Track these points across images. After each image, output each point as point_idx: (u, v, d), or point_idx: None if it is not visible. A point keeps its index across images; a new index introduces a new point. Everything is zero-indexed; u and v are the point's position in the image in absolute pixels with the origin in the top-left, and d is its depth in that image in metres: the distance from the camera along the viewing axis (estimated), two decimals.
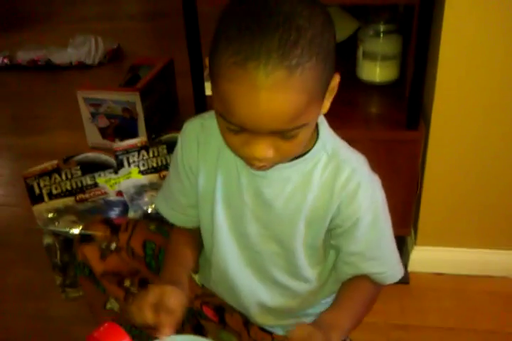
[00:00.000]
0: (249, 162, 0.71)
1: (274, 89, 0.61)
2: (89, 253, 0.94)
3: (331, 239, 0.84)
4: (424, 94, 1.22)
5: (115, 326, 0.76)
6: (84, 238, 0.95)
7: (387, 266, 0.85)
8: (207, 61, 0.70)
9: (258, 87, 0.61)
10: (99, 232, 0.95)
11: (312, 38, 0.62)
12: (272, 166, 0.73)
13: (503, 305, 1.33)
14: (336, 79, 0.70)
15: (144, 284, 0.94)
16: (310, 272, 0.86)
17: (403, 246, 1.42)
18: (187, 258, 0.89)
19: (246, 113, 0.63)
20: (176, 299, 0.76)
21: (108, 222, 0.97)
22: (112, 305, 0.95)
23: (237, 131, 0.67)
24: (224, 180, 0.82)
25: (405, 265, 1.43)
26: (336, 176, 0.78)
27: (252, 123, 0.64)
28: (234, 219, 0.84)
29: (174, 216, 0.92)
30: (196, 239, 0.92)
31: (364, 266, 0.83)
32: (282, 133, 0.66)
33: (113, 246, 0.94)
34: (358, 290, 0.85)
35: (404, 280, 1.40)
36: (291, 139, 0.67)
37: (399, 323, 1.29)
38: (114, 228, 0.96)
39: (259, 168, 0.72)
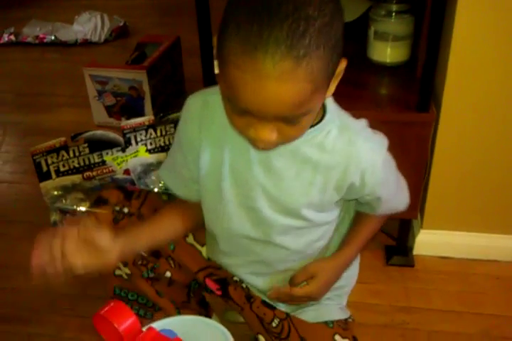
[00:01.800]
0: (253, 143, 0.73)
1: (280, 78, 0.62)
2: (102, 217, 0.94)
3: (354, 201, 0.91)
4: (436, 75, 1.21)
5: (121, 304, 0.77)
6: (97, 201, 0.95)
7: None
8: (215, 40, 0.69)
9: (264, 76, 0.62)
10: (113, 196, 0.95)
11: (321, 27, 0.62)
12: (274, 147, 0.74)
13: (508, 290, 1.33)
14: (343, 65, 0.71)
15: (154, 252, 0.95)
16: (318, 233, 0.89)
17: (409, 229, 1.42)
18: (159, 227, 0.91)
19: (251, 100, 0.65)
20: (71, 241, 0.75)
21: (121, 188, 0.99)
22: (121, 271, 0.95)
23: (242, 113, 0.68)
24: (232, 156, 0.83)
25: (411, 248, 1.44)
26: (349, 148, 0.79)
27: (256, 109, 0.66)
28: (242, 194, 0.84)
29: (178, 187, 0.93)
30: (189, 213, 0.93)
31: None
32: (286, 119, 0.68)
33: (125, 209, 0.95)
34: (365, 227, 0.95)
35: (410, 263, 1.41)
36: (294, 124, 0.69)
37: (403, 305, 1.29)
38: (127, 194, 0.97)
39: (262, 149, 0.74)
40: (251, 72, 0.62)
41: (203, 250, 1.00)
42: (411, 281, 1.36)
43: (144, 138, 1.45)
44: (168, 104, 2.04)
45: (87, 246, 0.76)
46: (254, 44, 0.61)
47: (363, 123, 0.84)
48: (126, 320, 0.75)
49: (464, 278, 1.36)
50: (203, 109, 0.84)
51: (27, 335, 1.27)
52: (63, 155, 1.38)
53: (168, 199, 1.00)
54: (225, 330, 0.80)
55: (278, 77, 0.61)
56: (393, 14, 1.34)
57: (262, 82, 0.62)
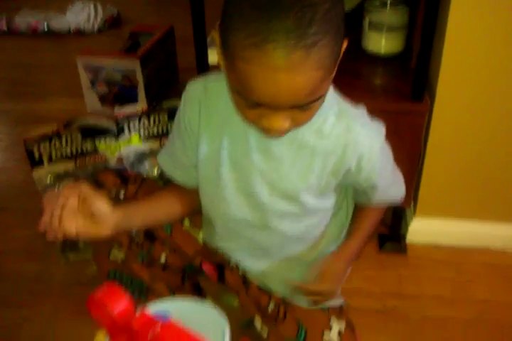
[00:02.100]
0: (266, 132, 0.73)
1: (292, 69, 0.62)
2: None
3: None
4: (430, 66, 1.21)
5: (115, 287, 0.77)
6: (93, 185, 0.95)
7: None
8: (214, 33, 0.70)
9: (276, 68, 0.62)
10: (109, 180, 0.96)
11: (325, 13, 0.62)
12: (286, 133, 0.75)
13: (501, 277, 1.35)
14: (345, 45, 0.71)
15: (149, 236, 0.96)
16: (316, 219, 0.90)
17: (402, 217, 1.43)
18: (155, 206, 0.91)
19: (264, 92, 0.65)
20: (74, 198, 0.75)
21: (118, 173, 0.99)
22: (116, 256, 0.96)
23: (254, 106, 0.68)
24: (231, 142, 0.83)
25: (404, 236, 1.45)
26: (347, 134, 0.80)
27: (269, 101, 0.66)
28: (241, 180, 0.85)
29: (176, 173, 0.93)
30: (186, 197, 0.94)
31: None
32: (299, 107, 0.68)
33: (122, 194, 0.95)
34: (366, 218, 0.96)
35: (402, 250, 1.42)
36: (307, 110, 0.70)
37: (395, 291, 1.31)
38: (123, 179, 0.97)
39: (275, 137, 0.75)
40: (262, 66, 0.62)
41: (200, 237, 1.00)
42: (403, 268, 1.37)
43: (137, 126, 1.45)
44: (162, 93, 2.04)
45: (84, 213, 0.76)
46: (263, 36, 0.61)
47: (361, 109, 0.84)
48: (120, 305, 0.75)
49: (456, 265, 1.38)
50: (203, 95, 0.84)
51: (20, 319, 1.28)
52: (56, 143, 1.38)
53: (164, 185, 1.00)
54: (221, 314, 0.81)
55: (289, 68, 0.62)
56: (388, 5, 1.35)
57: (273, 74, 0.62)
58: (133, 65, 1.93)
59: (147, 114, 1.44)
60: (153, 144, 1.47)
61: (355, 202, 0.96)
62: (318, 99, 0.69)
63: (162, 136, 1.46)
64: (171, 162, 0.93)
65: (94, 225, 0.77)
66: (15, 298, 1.33)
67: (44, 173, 1.38)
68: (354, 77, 1.34)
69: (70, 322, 1.26)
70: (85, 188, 0.77)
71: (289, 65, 0.61)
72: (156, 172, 1.43)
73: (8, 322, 1.28)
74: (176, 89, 2.07)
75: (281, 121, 0.69)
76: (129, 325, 0.75)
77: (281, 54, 0.61)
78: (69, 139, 1.39)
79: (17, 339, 1.24)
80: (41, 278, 1.38)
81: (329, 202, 0.89)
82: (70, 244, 1.40)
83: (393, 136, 1.24)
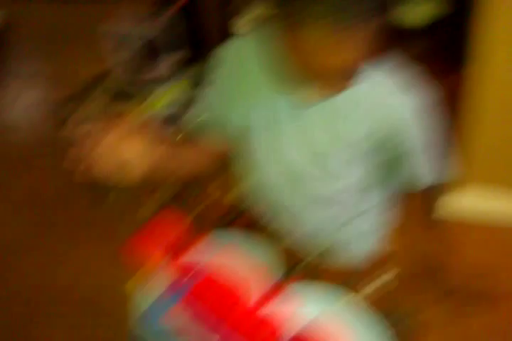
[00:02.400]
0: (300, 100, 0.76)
1: (327, 52, 0.64)
2: None
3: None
4: (469, 33, 1.19)
5: (169, 213, 0.78)
6: None
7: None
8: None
9: (311, 51, 0.64)
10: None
11: None
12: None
13: None
14: (379, 21, 0.69)
15: (176, 199, 0.95)
16: (343, 185, 0.89)
17: (436, 192, 1.42)
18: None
19: (299, 69, 0.68)
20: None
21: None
22: (143, 215, 0.95)
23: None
24: (261, 108, 0.83)
25: (437, 210, 1.43)
26: (380, 100, 0.80)
27: (304, 78, 0.69)
28: (271, 145, 0.85)
29: (228, 116, 0.91)
30: (216, 153, 0.94)
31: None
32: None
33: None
34: None
35: (435, 225, 1.41)
36: (339, 84, 0.72)
37: None
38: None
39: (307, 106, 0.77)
40: (296, 48, 0.64)
41: (228, 200, 1.02)
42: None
43: (161, 91, 1.45)
44: (186, 60, 2.02)
45: (119, 153, 0.72)
46: (299, 19, 0.62)
47: (400, 76, 0.82)
48: (175, 232, 0.78)
49: (490, 242, 1.36)
50: (235, 60, 0.84)
51: (56, 263, 1.34)
52: (81, 105, 1.39)
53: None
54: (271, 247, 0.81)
55: (324, 51, 0.63)
56: None
57: (308, 56, 0.65)
58: (156, 32, 1.92)
59: (171, 80, 1.44)
60: (177, 109, 1.48)
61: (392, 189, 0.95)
62: (351, 76, 0.70)
63: (186, 101, 1.47)
64: (216, 109, 0.90)
65: (126, 166, 0.73)
66: (50, 244, 1.39)
67: (70, 135, 1.38)
68: (388, 47, 1.32)
69: (105, 266, 1.31)
70: (124, 126, 0.73)
71: (324, 48, 0.63)
72: (179, 136, 1.43)
73: (44, 265, 1.34)
74: (200, 56, 2.06)
75: (311, 96, 0.73)
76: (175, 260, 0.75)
77: (316, 38, 0.62)
78: (94, 101, 1.39)
79: (54, 280, 1.31)
80: (44, 222, 1.44)
81: (356, 173, 0.88)
82: (102, 194, 1.41)
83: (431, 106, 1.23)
